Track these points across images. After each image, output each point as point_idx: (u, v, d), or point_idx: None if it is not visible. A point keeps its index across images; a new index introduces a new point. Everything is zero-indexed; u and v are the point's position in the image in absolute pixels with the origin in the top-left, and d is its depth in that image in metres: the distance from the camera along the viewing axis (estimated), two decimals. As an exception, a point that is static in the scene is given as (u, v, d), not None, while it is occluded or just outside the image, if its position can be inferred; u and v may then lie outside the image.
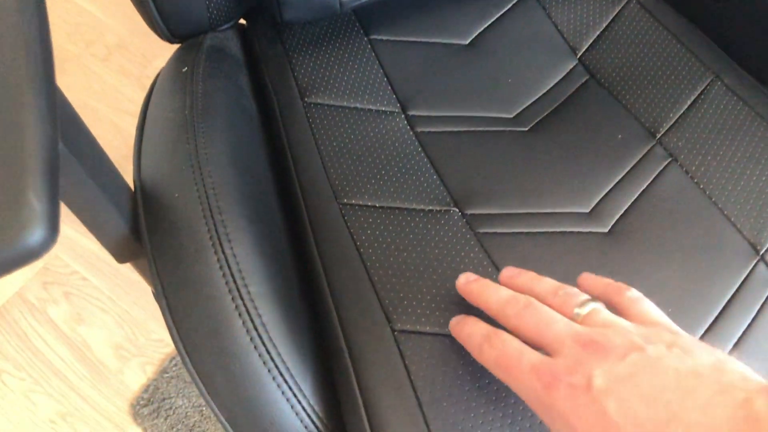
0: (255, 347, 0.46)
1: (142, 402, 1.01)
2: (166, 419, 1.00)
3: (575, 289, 0.41)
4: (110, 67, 1.33)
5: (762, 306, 0.49)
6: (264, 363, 0.47)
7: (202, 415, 0.99)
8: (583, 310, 0.39)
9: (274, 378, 0.47)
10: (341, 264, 0.52)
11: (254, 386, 0.46)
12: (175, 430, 0.99)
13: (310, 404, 0.48)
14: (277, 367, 0.47)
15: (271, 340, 0.47)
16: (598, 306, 0.39)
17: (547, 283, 0.43)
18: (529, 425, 0.45)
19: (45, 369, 1.04)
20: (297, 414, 0.47)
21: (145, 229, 0.52)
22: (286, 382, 0.47)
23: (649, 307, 0.39)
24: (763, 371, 0.47)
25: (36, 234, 0.27)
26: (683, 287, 0.50)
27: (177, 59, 0.65)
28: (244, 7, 0.70)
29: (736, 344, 0.48)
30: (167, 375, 1.03)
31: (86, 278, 1.13)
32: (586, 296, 0.40)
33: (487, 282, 0.45)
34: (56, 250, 1.14)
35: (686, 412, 0.31)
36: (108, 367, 1.05)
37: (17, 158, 0.29)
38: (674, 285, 0.50)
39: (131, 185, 0.55)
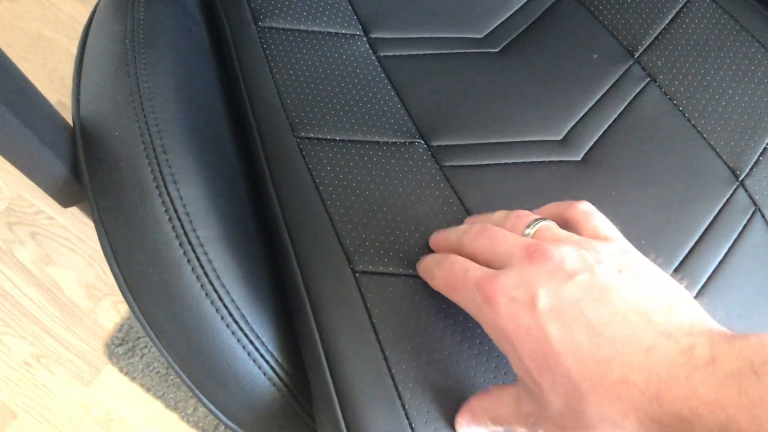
0: (207, 294, 0.44)
1: (116, 341, 1.00)
2: (141, 358, 0.99)
3: (526, 212, 0.40)
4: (64, -7, 1.26)
5: (740, 233, 0.47)
6: (217, 311, 0.44)
7: (178, 353, 0.98)
8: (533, 229, 0.38)
9: (228, 326, 0.44)
10: (299, 202, 0.49)
11: (208, 336, 0.44)
12: (151, 368, 0.98)
13: (269, 351, 0.45)
14: (231, 314, 0.44)
15: (224, 286, 0.44)
16: (549, 223, 0.38)
17: (500, 213, 0.42)
18: (495, 365, 0.43)
19: (15, 312, 1.02)
20: (255, 361, 0.45)
21: (85, 172, 0.48)
22: (241, 329, 0.44)
23: (601, 221, 0.38)
24: (738, 300, 0.45)
25: None
26: (660, 215, 0.47)
27: (117, -18, 0.59)
28: None
29: (713, 272, 0.46)
30: (141, 314, 1.01)
31: (52, 217, 1.09)
32: (536, 216, 0.39)
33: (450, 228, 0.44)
34: (19, 189, 1.10)
35: (629, 353, 0.30)
36: (80, 307, 1.03)
37: None
38: (651, 213, 0.47)
39: (72, 124, 0.51)
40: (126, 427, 0.96)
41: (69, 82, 1.17)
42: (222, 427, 0.95)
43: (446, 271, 0.40)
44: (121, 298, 1.03)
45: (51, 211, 1.09)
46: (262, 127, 0.53)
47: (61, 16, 1.24)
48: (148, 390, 0.97)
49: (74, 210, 1.08)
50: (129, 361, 0.99)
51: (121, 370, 0.99)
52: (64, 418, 0.97)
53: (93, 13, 0.59)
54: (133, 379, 0.98)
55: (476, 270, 0.37)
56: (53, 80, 1.17)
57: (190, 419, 0.96)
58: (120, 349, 0.99)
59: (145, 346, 0.99)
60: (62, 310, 1.03)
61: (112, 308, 1.03)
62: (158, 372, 0.98)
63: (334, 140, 0.52)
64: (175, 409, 0.96)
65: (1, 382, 0.98)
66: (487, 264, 0.38)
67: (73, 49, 1.20)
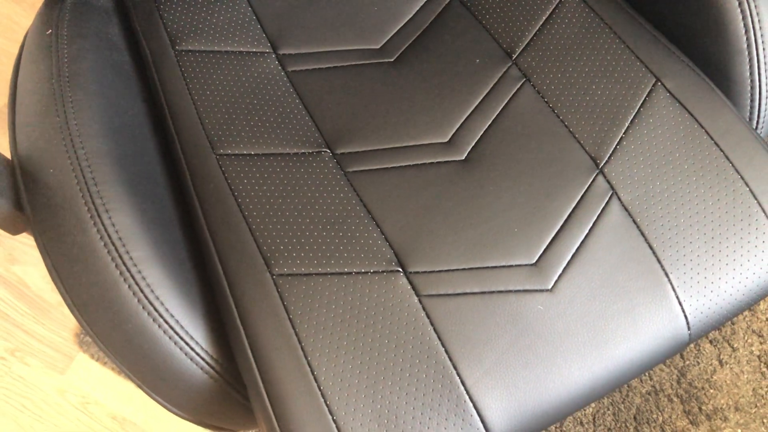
0: (143, 307, 0.51)
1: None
2: (110, 344, 1.06)
3: None
4: (-1, -5, 1.28)
5: (599, 215, 0.55)
6: (154, 320, 0.51)
7: (143, 337, 1.05)
8: None
9: (165, 331, 0.52)
10: (221, 215, 0.56)
11: (148, 341, 0.51)
12: (120, 352, 1.05)
13: (203, 348, 0.53)
14: (166, 321, 0.52)
15: (158, 298, 0.51)
16: None
17: None
18: (403, 351, 0.51)
19: (-14, 310, 1.08)
20: (192, 359, 0.53)
21: (27, 206, 0.54)
22: (177, 333, 0.52)
23: None
24: (599, 272, 0.54)
25: None
26: (530, 204, 0.55)
27: (41, 19, 0.64)
28: (106, -51, 0.69)
29: (574, 255, 0.54)
30: (105, 303, 1.08)
31: (12, 218, 1.14)
32: None
33: None
34: (-24, 193, 1.15)
35: None
36: (48, 301, 1.10)
37: None
38: (522, 203, 0.55)
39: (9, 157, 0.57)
40: (102, 408, 1.04)
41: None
42: (191, 400, 1.04)
43: None
44: (85, 289, 1.10)
45: (9, 212, 1.14)
46: (185, 147, 0.60)
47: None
48: (120, 372, 1.05)
49: (32, 210, 1.14)
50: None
51: (92, 356, 1.06)
52: (43, 405, 1.04)
53: (20, 50, 0.64)
54: (105, 363, 1.05)
55: None
56: (1, 85, 1.21)
57: (161, 396, 1.04)
58: (89, 337, 1.06)
59: (113, 333, 1.07)
60: (31, 305, 1.10)
61: (78, 300, 1.10)
62: (127, 355, 1.05)
63: (250, 155, 0.59)
64: (146, 387, 1.04)
65: (-20, 377, 1.06)
66: None
67: (11, 49, 1.23)
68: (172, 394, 0.54)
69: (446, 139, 0.59)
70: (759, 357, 1.02)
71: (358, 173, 0.58)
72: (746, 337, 1.04)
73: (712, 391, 1.01)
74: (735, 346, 1.03)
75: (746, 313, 1.05)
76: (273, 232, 0.55)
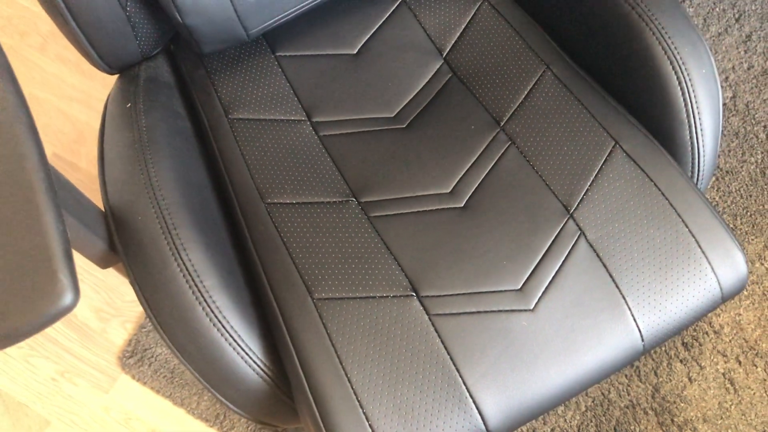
0: (214, 325, 0.65)
1: (127, 354, 1.20)
2: (150, 366, 1.19)
3: None
4: (48, 56, 1.44)
5: (569, 252, 0.70)
6: (222, 335, 0.65)
7: (180, 359, 1.19)
8: None
9: (230, 344, 0.66)
10: (270, 251, 0.71)
11: (217, 351, 0.66)
12: (159, 373, 1.19)
13: (259, 358, 0.67)
14: (231, 336, 0.66)
15: (225, 318, 0.66)
16: None
17: None
18: (422, 377, 0.65)
19: (39, 337, 1.22)
20: (251, 366, 0.67)
21: (119, 246, 0.69)
22: (239, 345, 0.66)
23: None
24: (570, 298, 0.68)
25: (68, 298, 0.45)
26: (514, 242, 0.70)
27: (119, 92, 0.79)
28: (170, 33, 0.85)
29: (550, 282, 0.69)
30: (145, 329, 1.22)
31: (60, 254, 1.29)
32: None
33: None
34: (29, 232, 1.29)
35: None
36: (92, 328, 1.24)
37: (44, 248, 0.46)
38: (507, 241, 0.70)
39: (102, 208, 0.72)
40: (143, 423, 1.17)
41: (63, 135, 1.36)
42: (222, 417, 1.17)
43: None
44: (127, 318, 1.24)
45: (59, 249, 1.29)
46: (240, 198, 0.75)
47: (46, 76, 1.42)
48: (158, 391, 1.18)
49: (79, 247, 1.28)
50: (139, 369, 1.19)
51: (133, 377, 1.20)
52: (90, 420, 1.17)
53: (103, 119, 0.79)
54: (144, 383, 1.19)
55: None
56: (47, 134, 1.36)
57: (195, 412, 1.17)
58: (131, 360, 1.20)
59: (152, 356, 1.20)
60: (77, 332, 1.23)
61: (120, 327, 1.23)
62: (165, 376, 1.19)
63: (292, 203, 0.74)
64: (181, 405, 1.18)
65: (34, 395, 1.19)
66: None
67: (63, 105, 1.39)
68: (233, 395, 0.68)
69: (449, 190, 0.74)
70: (723, 374, 1.16)
71: (379, 217, 0.72)
72: (712, 357, 1.18)
73: (682, 404, 1.15)
74: (702, 364, 1.17)
75: (712, 335, 1.19)
76: (312, 265, 0.70)
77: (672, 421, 1.14)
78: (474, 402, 0.64)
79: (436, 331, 0.66)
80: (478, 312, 0.67)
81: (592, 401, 1.15)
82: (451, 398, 0.64)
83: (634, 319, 0.68)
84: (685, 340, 1.19)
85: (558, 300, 0.68)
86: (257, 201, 0.74)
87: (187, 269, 0.66)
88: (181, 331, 0.66)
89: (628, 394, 1.15)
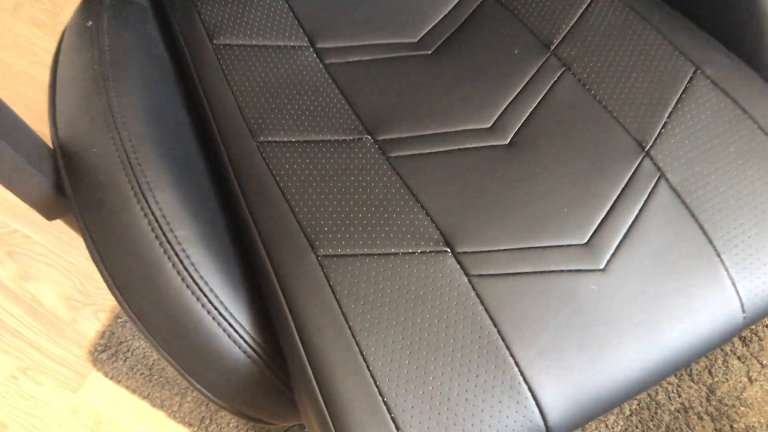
0: (187, 286, 0.50)
1: (99, 348, 1.04)
2: (125, 361, 1.03)
3: None
4: (20, 18, 1.29)
5: (648, 197, 0.54)
6: (197, 299, 0.50)
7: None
8: None
9: (209, 312, 0.50)
10: (263, 199, 0.55)
11: (190, 321, 0.50)
12: (135, 370, 1.03)
13: (246, 332, 0.51)
14: (210, 302, 0.50)
15: (202, 277, 0.50)
16: None
17: None
18: (460, 355, 0.50)
19: (-1, 328, 1.06)
20: (235, 342, 0.51)
21: (69, 187, 0.53)
22: (221, 314, 0.50)
23: None
24: (650, 254, 0.53)
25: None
26: (578, 186, 0.55)
27: (80, 13, 0.64)
28: (143, -49, 0.70)
29: (625, 235, 0.53)
30: (121, 320, 1.06)
31: (27, 235, 1.13)
32: None
33: None
34: (-9, 211, 1.14)
35: None
36: (61, 318, 1.08)
37: None
38: (569, 186, 0.55)
39: (50, 145, 0.57)
40: (115, 428, 1.01)
41: (33, 107, 1.21)
42: (207, 421, 1.01)
43: None
44: (100, 306, 1.08)
45: (26, 229, 1.13)
46: (225, 135, 0.59)
47: (18, 40, 1.28)
48: (134, 391, 1.02)
49: (48, 226, 1.13)
50: (113, 365, 1.03)
51: (106, 374, 1.03)
52: (54, 424, 1.01)
53: (59, 43, 0.64)
54: (119, 382, 1.03)
55: None
56: (17, 104, 1.21)
57: (177, 415, 1.01)
58: (103, 354, 1.04)
59: (128, 350, 1.04)
60: (44, 322, 1.07)
61: (92, 317, 1.07)
62: (142, 373, 1.03)
63: (291, 142, 0.58)
64: (161, 407, 1.01)
65: (-10, 396, 1.03)
66: None
67: (34, 71, 1.24)
68: (211, 379, 0.52)
69: (489, 125, 0.59)
70: (788, 373, 1.01)
71: (400, 158, 0.57)
72: (774, 353, 1.02)
73: (743, 408, 0.99)
74: (764, 362, 1.01)
75: (773, 328, 1.04)
76: (317, 215, 0.54)
77: (731, 427, 0.98)
78: (529, 388, 0.48)
79: (478, 296, 0.51)
80: (533, 272, 0.52)
81: (638, 404, 0.99)
82: (499, 384, 0.48)
83: (733, 283, 0.52)
84: (742, 334, 1.03)
85: (635, 258, 0.52)
86: (247, 139, 0.58)
87: (153, 214, 0.50)
88: (144, 295, 0.50)
89: (679, 396, 1.00)
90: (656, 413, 0.98)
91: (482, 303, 0.51)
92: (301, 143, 0.58)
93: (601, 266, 0.52)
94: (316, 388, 0.49)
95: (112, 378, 1.03)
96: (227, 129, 0.59)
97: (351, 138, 0.59)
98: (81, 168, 0.53)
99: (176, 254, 0.50)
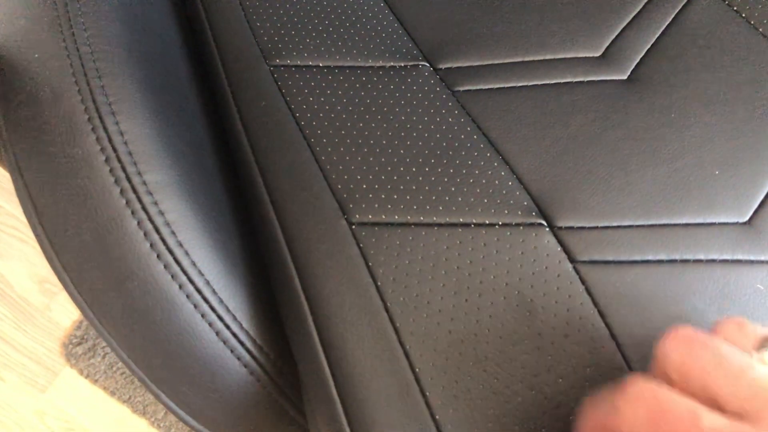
0: (158, 256, 0.33)
1: (75, 340, 0.88)
2: (103, 357, 0.87)
3: (747, 323, 0.27)
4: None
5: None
6: (173, 277, 0.33)
7: (144, 351, 0.87)
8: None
9: (189, 296, 0.34)
10: (277, 143, 0.39)
11: (163, 310, 0.34)
12: (115, 368, 0.87)
13: (243, 330, 0.35)
14: (192, 281, 0.34)
15: (180, 245, 0.34)
16: None
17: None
18: (522, 353, 0.33)
19: (-42, 312, 0.90)
20: (226, 343, 0.35)
21: (-3, 105, 0.37)
22: (207, 301, 0.34)
23: None
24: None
25: None
26: (735, 140, 0.38)
27: None
28: None
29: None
30: (101, 308, 0.90)
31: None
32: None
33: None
34: (-39, 175, 0.98)
35: None
36: (33, 304, 0.92)
37: None
38: (723, 138, 0.38)
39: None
40: (88, 436, 0.85)
41: None
42: (197, 432, 0.84)
43: (648, 404, 0.25)
44: (78, 291, 0.92)
45: (-3, 198, 0.97)
46: (226, 55, 0.43)
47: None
48: (113, 393, 0.86)
49: (23, 195, 0.97)
50: (89, 362, 0.87)
51: (81, 372, 0.87)
52: (16, 428, 0.85)
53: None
54: (95, 381, 0.87)
55: (713, 419, 0.24)
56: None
57: (161, 424, 0.85)
58: (79, 348, 0.88)
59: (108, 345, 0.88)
60: (12, 308, 0.91)
61: (69, 304, 0.91)
62: (123, 373, 0.87)
63: (317, 67, 0.42)
64: (143, 413, 0.85)
65: (-56, 391, 0.87)
66: (706, 396, 0.25)
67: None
68: (190, 395, 0.36)
69: (598, 53, 0.42)
70: None
71: (471, 93, 0.40)
72: None
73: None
74: None
75: None
76: (352, 167, 0.37)
77: None
78: None
79: (588, 291, 0.34)
80: (671, 261, 0.35)
81: None
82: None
83: None
84: None
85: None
86: (257, 61, 0.42)
87: (114, 147, 0.34)
88: (95, 265, 0.34)
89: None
90: None
91: (594, 302, 0.34)
92: (332, 69, 0.42)
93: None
94: (341, 412, 0.32)
95: (87, 377, 0.87)
96: (230, 47, 0.43)
97: (402, 65, 0.42)
98: (16, 80, 0.37)
99: (144, 208, 0.34)
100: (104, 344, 0.88)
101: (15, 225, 0.96)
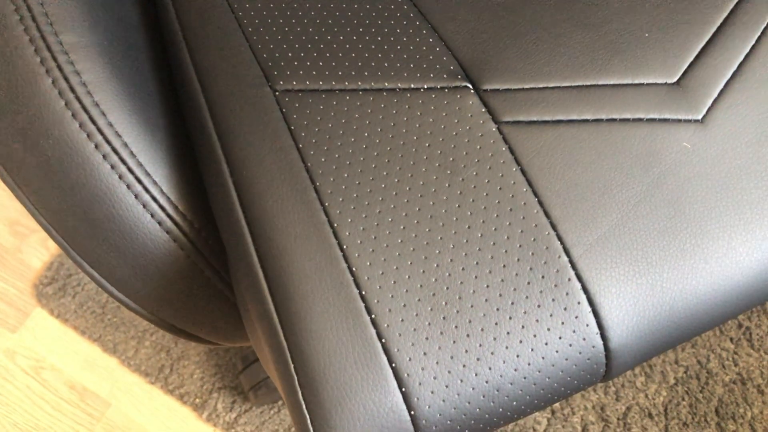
0: (73, 115, 0.33)
1: (45, 281, 0.88)
2: (74, 297, 0.87)
3: None
4: None
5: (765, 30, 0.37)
6: (89, 136, 0.33)
7: (114, 289, 0.87)
8: None
9: (105, 156, 0.33)
10: (198, 8, 0.38)
11: (78, 171, 0.33)
12: (85, 308, 0.87)
13: (163, 193, 0.35)
14: (109, 141, 0.33)
15: (97, 105, 0.33)
16: None
17: None
18: (480, 234, 0.33)
19: (-72, 253, 0.90)
20: (146, 206, 0.34)
21: None
22: (124, 162, 0.34)
23: None
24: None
25: None
26: (664, 6, 0.37)
27: None
28: None
29: (733, 75, 0.36)
30: (71, 248, 0.90)
31: (-29, 150, 0.97)
32: None
33: None
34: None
35: None
36: (3, 246, 0.91)
37: None
38: (652, 5, 0.37)
39: None
40: (58, 374, 0.85)
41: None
42: (168, 371, 0.84)
43: None
44: (49, 232, 0.92)
45: (-33, 140, 0.97)
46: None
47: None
48: (83, 333, 0.86)
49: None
50: (60, 301, 0.87)
51: (51, 312, 0.87)
52: (-13, 367, 0.85)
53: None
54: (66, 321, 0.87)
55: None
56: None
57: (131, 363, 0.85)
58: (49, 288, 0.88)
59: (78, 284, 0.88)
60: (-17, 249, 0.91)
61: (40, 245, 0.91)
62: (93, 312, 0.87)
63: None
64: (114, 352, 0.85)
65: None
66: None
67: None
68: (111, 261, 0.35)
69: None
70: None
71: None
72: None
73: (812, 382, 0.81)
74: (839, 329, 0.84)
75: None
76: (278, 36, 0.37)
77: (799, 404, 0.80)
78: (584, 288, 0.31)
79: (512, 151, 0.34)
80: (596, 120, 0.34)
81: (685, 372, 0.82)
82: (538, 277, 0.31)
83: None
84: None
85: (750, 106, 0.35)
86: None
87: (28, 6, 0.33)
88: (9, 123, 0.34)
89: (736, 365, 0.82)
90: (707, 384, 0.81)
91: (517, 161, 0.33)
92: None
93: (699, 116, 0.35)
94: (262, 279, 0.32)
95: (57, 316, 0.87)
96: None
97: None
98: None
99: (59, 66, 0.33)
100: (75, 284, 0.88)
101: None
